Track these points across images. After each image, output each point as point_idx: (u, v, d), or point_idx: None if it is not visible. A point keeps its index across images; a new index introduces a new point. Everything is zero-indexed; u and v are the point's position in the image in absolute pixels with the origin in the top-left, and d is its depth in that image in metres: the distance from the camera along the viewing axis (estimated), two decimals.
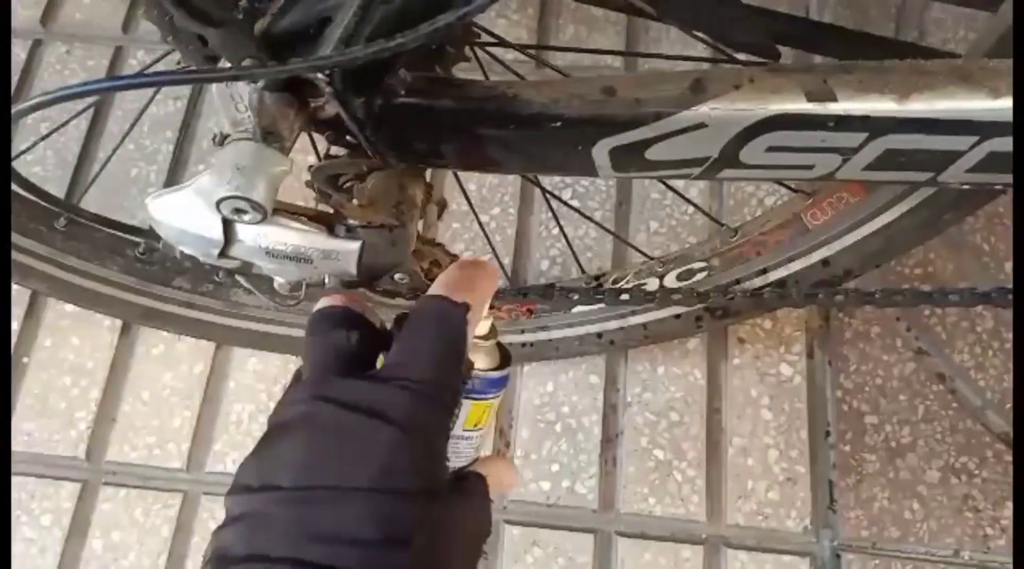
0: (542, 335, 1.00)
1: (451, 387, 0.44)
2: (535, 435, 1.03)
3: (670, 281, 0.92)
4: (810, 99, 0.48)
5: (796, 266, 0.84)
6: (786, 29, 0.72)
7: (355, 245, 0.55)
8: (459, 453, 0.49)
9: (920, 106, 0.48)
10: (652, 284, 0.92)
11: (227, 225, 0.52)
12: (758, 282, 0.86)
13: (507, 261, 1.12)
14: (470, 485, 0.47)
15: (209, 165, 0.52)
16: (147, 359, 1.10)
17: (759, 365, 1.02)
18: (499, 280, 0.49)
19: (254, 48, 0.44)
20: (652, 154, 0.49)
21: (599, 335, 0.98)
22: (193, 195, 0.52)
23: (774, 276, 0.85)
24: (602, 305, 0.94)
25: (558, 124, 0.47)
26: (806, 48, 0.73)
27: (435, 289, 0.46)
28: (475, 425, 0.48)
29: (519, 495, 1.00)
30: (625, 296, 0.84)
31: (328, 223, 0.55)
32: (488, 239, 1.03)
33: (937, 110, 0.48)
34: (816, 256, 0.82)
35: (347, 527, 0.38)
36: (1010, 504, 0.94)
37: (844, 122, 0.48)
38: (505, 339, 0.66)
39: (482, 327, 0.49)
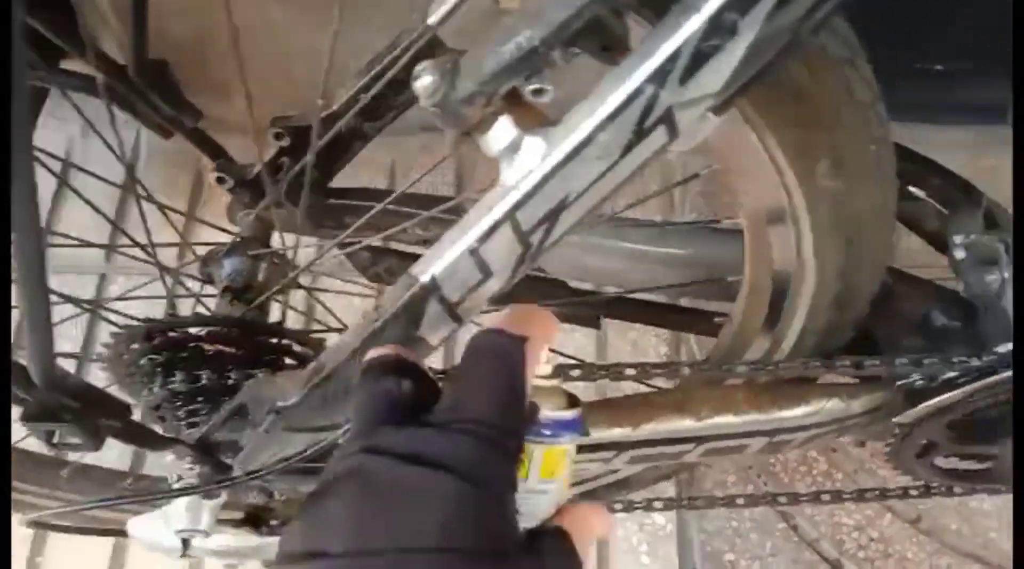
0: None
1: (513, 429, 0.39)
2: None
3: None
4: None
5: None
6: (621, 310, 0.94)
7: (277, 540, 0.77)
8: (535, 510, 0.43)
9: (648, 429, 0.72)
10: None
11: (184, 541, 0.74)
12: None
13: None
14: (548, 544, 0.41)
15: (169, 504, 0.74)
16: None
17: (637, 514, 1.25)
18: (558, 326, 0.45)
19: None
20: None
21: None
22: (158, 521, 0.74)
23: None
24: None
25: None
26: (625, 319, 0.95)
27: (490, 325, 0.42)
28: (551, 475, 0.43)
29: None
30: None
31: (257, 524, 0.77)
32: None
33: (660, 432, 0.72)
34: None
35: None
36: None
37: (597, 447, 0.71)
38: None
39: (543, 368, 0.45)
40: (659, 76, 0.40)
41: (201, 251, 0.79)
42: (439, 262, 0.49)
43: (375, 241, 0.80)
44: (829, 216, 0.58)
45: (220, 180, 0.77)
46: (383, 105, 0.74)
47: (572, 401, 0.45)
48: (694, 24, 0.38)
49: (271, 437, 0.62)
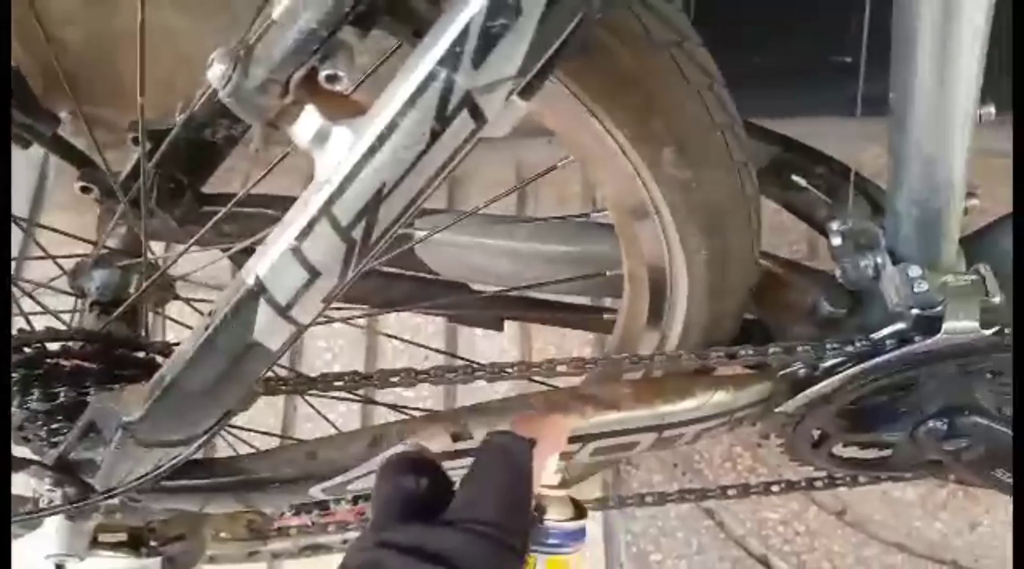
0: None
1: (519, 529, 0.42)
2: None
3: None
4: (455, 439, 0.69)
5: None
6: (516, 310, 0.93)
7: (157, 560, 0.74)
8: None
9: None
10: None
11: (57, 567, 0.71)
12: None
13: None
14: None
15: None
16: None
17: None
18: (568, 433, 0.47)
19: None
20: (352, 487, 0.70)
21: None
22: (31, 545, 0.70)
23: None
24: None
25: (277, 485, 0.67)
26: (521, 320, 0.94)
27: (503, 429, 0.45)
28: None
29: None
30: None
31: (136, 545, 0.74)
32: None
33: None
34: None
35: None
36: None
37: None
38: None
39: (553, 478, 0.47)
40: (450, 60, 0.38)
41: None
42: (263, 262, 0.47)
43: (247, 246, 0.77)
44: (685, 206, 0.57)
45: (85, 189, 0.75)
46: None
47: (579, 511, 0.47)
48: (476, 5, 0.37)
49: (124, 453, 0.59)
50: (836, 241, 0.69)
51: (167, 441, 0.58)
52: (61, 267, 0.75)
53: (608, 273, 0.73)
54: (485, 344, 1.28)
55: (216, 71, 0.41)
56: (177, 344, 0.73)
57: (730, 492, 0.92)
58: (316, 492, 0.70)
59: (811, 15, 1.16)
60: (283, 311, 0.48)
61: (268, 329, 0.49)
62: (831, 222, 0.70)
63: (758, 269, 0.71)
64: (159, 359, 0.67)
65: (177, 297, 0.80)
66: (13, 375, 0.64)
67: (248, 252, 0.50)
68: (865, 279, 0.67)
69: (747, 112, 0.57)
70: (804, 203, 0.79)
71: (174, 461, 0.59)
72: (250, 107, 0.41)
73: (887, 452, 0.81)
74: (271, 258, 0.46)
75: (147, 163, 0.66)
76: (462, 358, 0.91)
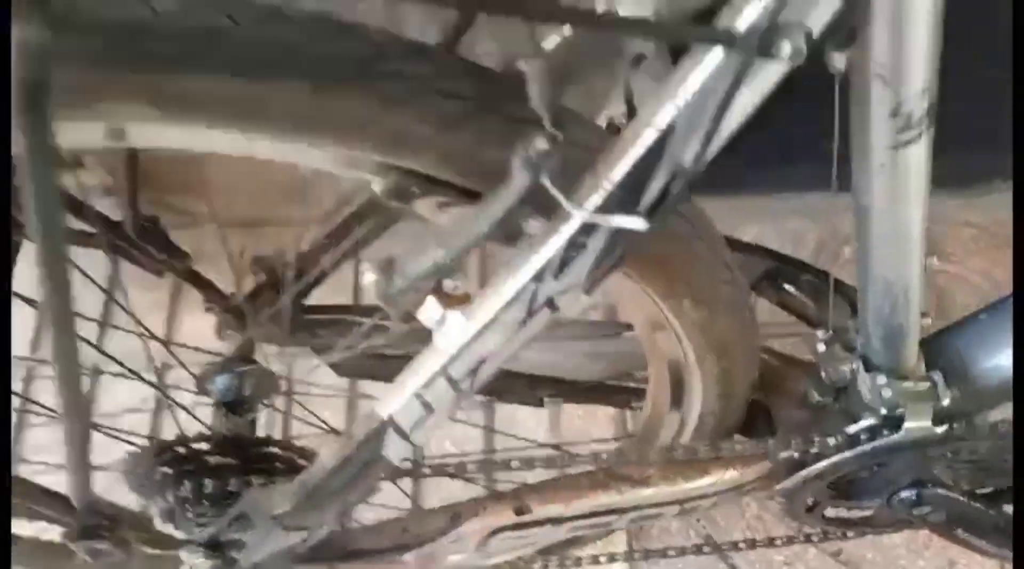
0: None
1: None
2: None
3: None
4: (518, 513, 0.86)
5: None
6: (552, 390, 1.10)
7: None
8: None
9: (578, 506, 0.87)
10: None
11: None
12: None
13: None
14: None
15: None
16: None
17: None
18: None
19: None
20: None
21: None
22: None
23: None
24: None
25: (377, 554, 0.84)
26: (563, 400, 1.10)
27: None
28: None
29: None
30: None
31: None
32: None
33: (589, 507, 0.87)
34: None
35: None
36: None
37: (537, 522, 0.86)
38: None
39: None
40: (539, 275, 0.56)
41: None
42: (394, 402, 0.64)
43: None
44: (702, 340, 0.74)
45: (209, 309, 0.92)
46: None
47: None
48: (561, 238, 0.54)
49: (267, 535, 0.76)
50: (820, 348, 0.85)
51: (304, 526, 0.75)
52: (192, 373, 0.93)
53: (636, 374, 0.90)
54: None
55: (368, 279, 0.58)
56: (303, 444, 0.89)
57: (741, 545, 1.09)
58: (409, 558, 0.86)
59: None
60: (405, 436, 0.65)
61: (393, 448, 0.66)
62: (817, 330, 0.87)
63: (758, 364, 0.88)
64: (283, 453, 0.84)
65: (287, 394, 0.98)
66: (169, 470, 0.81)
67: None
68: (844, 379, 0.84)
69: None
70: (796, 305, 0.96)
71: (309, 539, 0.76)
72: (392, 304, 0.59)
73: (869, 511, 0.98)
74: (400, 400, 0.64)
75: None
76: (515, 436, 1.07)
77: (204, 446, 0.81)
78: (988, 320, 0.83)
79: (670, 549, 1.09)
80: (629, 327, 0.96)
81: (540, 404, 1.12)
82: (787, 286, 0.94)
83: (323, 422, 1.04)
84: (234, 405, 0.91)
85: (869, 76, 0.54)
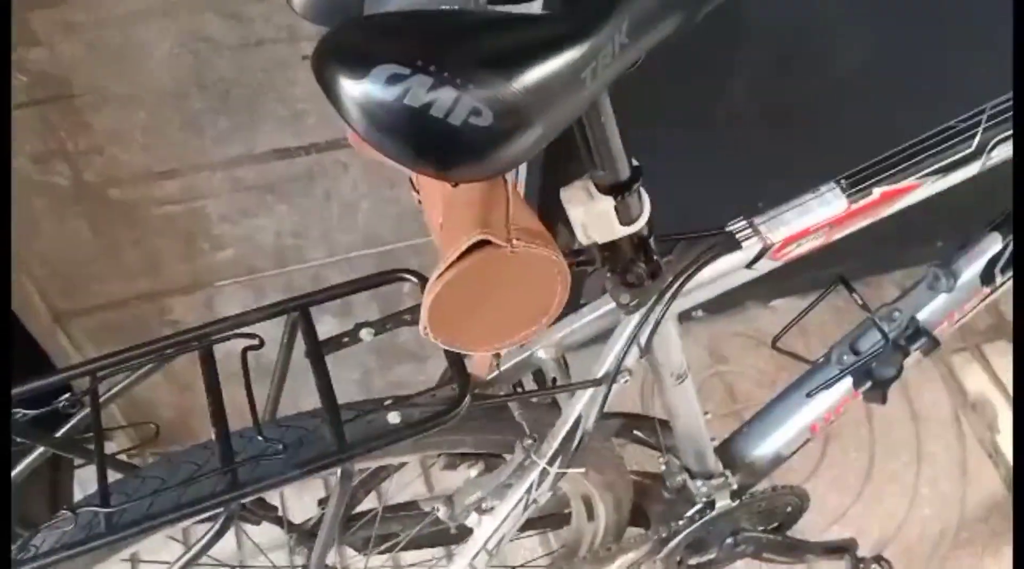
0: None
1: None
2: None
3: None
4: None
5: None
6: None
7: None
8: None
9: None
10: None
11: None
12: None
13: None
14: None
15: None
16: None
17: None
18: None
19: None
20: None
21: None
22: None
23: None
24: None
25: None
26: None
27: None
28: None
29: None
30: None
31: None
32: None
33: None
34: None
35: None
36: None
37: None
38: None
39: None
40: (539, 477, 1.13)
41: None
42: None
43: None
44: (604, 489, 1.33)
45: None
46: None
47: None
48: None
49: None
50: (663, 467, 1.46)
51: None
52: None
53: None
54: None
55: (443, 513, 1.13)
56: None
57: None
58: None
59: None
60: None
61: None
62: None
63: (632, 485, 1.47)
64: None
65: None
66: None
67: None
68: (680, 484, 1.45)
69: None
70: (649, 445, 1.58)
71: None
72: (456, 520, 1.13)
73: (713, 556, 1.59)
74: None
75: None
76: None
77: None
78: (753, 424, 1.47)
79: None
80: None
81: None
82: (636, 432, 1.56)
83: None
84: None
85: None
